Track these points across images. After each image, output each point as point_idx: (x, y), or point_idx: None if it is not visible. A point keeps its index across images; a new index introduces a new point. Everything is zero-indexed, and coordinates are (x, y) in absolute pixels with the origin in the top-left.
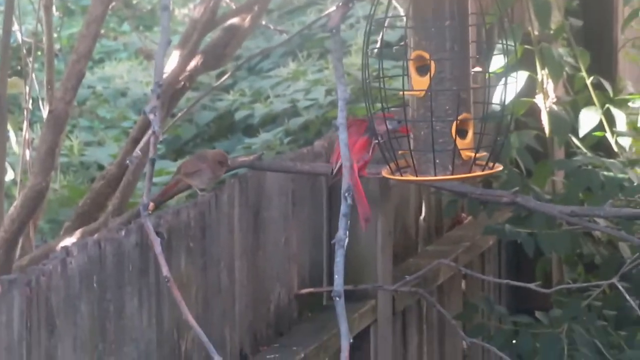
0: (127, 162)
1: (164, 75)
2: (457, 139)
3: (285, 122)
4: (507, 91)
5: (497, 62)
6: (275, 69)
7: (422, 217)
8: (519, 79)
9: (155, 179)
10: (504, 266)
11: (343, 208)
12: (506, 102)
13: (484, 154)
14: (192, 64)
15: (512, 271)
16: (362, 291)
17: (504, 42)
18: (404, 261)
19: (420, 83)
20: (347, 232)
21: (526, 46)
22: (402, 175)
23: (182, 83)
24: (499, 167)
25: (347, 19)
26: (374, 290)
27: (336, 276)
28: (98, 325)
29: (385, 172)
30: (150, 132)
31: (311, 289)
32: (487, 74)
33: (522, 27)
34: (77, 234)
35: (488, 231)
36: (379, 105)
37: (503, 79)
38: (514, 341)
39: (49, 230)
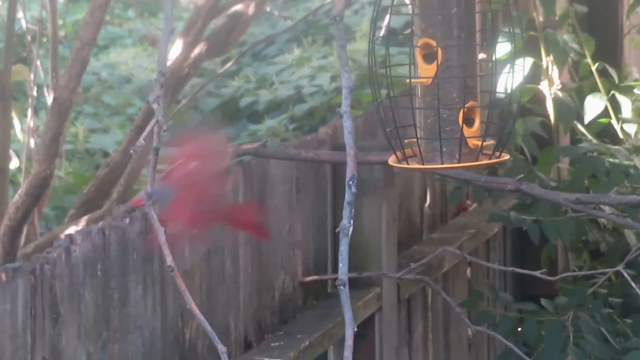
0: (131, 151)
1: (168, 63)
2: (464, 127)
3: (290, 108)
4: (513, 78)
5: (503, 49)
6: (279, 56)
7: (426, 205)
8: (524, 65)
9: (159, 166)
10: (509, 253)
11: (347, 196)
12: (512, 89)
13: (491, 142)
14: (196, 51)
15: (517, 258)
16: (367, 279)
17: (510, 29)
18: (409, 249)
19: (426, 71)
20: (352, 221)
21: (531, 33)
22: (408, 164)
23: (187, 70)
24: (506, 156)
25: (352, 5)
26: (378, 278)
27: (340, 265)
28: (102, 313)
29: (391, 160)
30: (154, 121)
31: (315, 277)
32: (492, 61)
33: (526, 14)
34: (82, 221)
35: (493, 218)
36: (385, 92)
37: (508, 66)
38: (519, 329)
39: (53, 217)
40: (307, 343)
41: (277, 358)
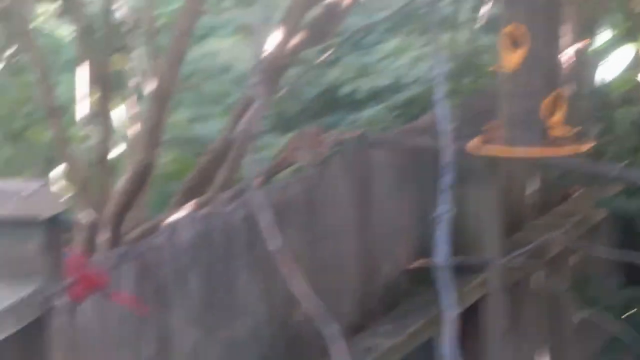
0: (232, 138)
1: (267, 52)
2: (549, 114)
3: (390, 97)
4: (610, 67)
5: (602, 38)
6: (379, 44)
7: (531, 191)
8: (624, 54)
9: (262, 153)
10: (615, 240)
11: (445, 182)
12: (610, 78)
13: (576, 129)
14: (295, 40)
15: (622, 245)
16: (472, 265)
17: (609, 18)
18: (514, 235)
19: (513, 58)
20: (450, 206)
21: (630, 22)
22: (492, 149)
23: (285, 59)
24: (589, 144)
25: None
26: (484, 264)
27: (440, 250)
28: (208, 299)
29: (472, 145)
30: (253, 108)
31: (420, 263)
32: (589, 50)
33: (628, 2)
34: (186, 208)
35: (599, 204)
36: (474, 79)
37: (606, 55)
38: (626, 314)
39: (157, 204)
40: (413, 329)
41: (384, 343)
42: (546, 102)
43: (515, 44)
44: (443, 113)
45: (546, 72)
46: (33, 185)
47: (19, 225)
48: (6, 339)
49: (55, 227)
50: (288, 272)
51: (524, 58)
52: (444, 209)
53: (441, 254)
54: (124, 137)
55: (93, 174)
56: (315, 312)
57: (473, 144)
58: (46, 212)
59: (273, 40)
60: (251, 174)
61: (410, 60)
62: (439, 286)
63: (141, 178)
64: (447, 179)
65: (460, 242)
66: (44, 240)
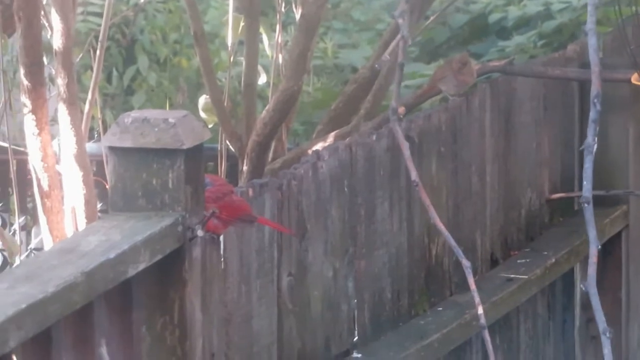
0: (376, 66)
1: None
2: None
3: (539, 25)
4: None
5: None
6: None
7: None
8: None
9: (408, 82)
10: None
11: (592, 114)
12: None
13: None
14: None
15: None
16: (613, 196)
17: None
18: None
19: None
20: (596, 139)
21: None
22: None
23: None
24: None
25: None
26: (625, 196)
27: (585, 182)
28: (348, 229)
29: (634, 79)
30: (399, 36)
31: (562, 194)
32: None
33: None
34: (329, 137)
35: None
36: (633, 8)
37: None
38: None
39: (302, 132)
40: (554, 260)
41: (524, 275)
42: None
43: None
44: (593, 43)
45: None
46: (176, 114)
47: (161, 154)
48: (145, 270)
49: (197, 156)
50: (426, 202)
51: None
52: (590, 141)
53: (586, 187)
54: (271, 65)
55: (238, 103)
56: (451, 244)
57: (636, 76)
58: (188, 142)
59: None
60: (396, 103)
61: None
62: (582, 219)
63: (286, 106)
64: (595, 111)
65: (602, 173)
66: (186, 170)
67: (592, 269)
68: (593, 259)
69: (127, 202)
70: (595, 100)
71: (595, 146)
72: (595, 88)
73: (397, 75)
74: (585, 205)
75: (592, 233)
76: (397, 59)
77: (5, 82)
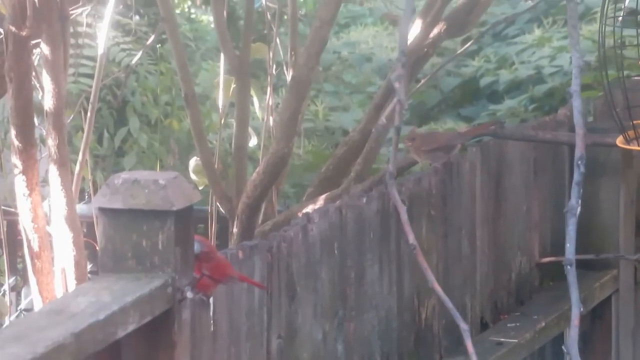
0: (373, 130)
1: (408, 42)
2: None
3: (530, 88)
4: None
5: None
6: (520, 36)
7: None
8: None
9: (400, 146)
10: None
11: (576, 176)
12: None
13: None
14: (436, 30)
15: None
16: (604, 261)
17: None
18: None
19: None
20: (580, 201)
21: None
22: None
23: (426, 49)
24: None
25: None
26: (615, 260)
27: (567, 244)
28: (338, 292)
29: (619, 141)
30: (395, 100)
31: (552, 258)
32: None
33: None
34: (319, 200)
35: None
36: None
37: None
38: None
39: (292, 195)
40: (543, 324)
41: (513, 339)
42: None
43: None
44: (577, 104)
45: None
46: (166, 176)
47: (151, 216)
48: (135, 331)
49: (187, 218)
50: (423, 265)
51: None
52: (574, 203)
53: (569, 249)
54: (261, 127)
55: (229, 164)
56: (448, 306)
57: (621, 139)
58: (178, 203)
59: (414, 30)
60: (392, 167)
61: (551, 52)
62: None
63: (277, 169)
64: (578, 173)
65: (592, 237)
66: (176, 231)
67: (574, 331)
68: (575, 321)
69: (117, 263)
70: (579, 162)
71: (579, 209)
72: (579, 150)
73: (394, 139)
74: (568, 267)
75: (574, 295)
76: (392, 122)
77: None
